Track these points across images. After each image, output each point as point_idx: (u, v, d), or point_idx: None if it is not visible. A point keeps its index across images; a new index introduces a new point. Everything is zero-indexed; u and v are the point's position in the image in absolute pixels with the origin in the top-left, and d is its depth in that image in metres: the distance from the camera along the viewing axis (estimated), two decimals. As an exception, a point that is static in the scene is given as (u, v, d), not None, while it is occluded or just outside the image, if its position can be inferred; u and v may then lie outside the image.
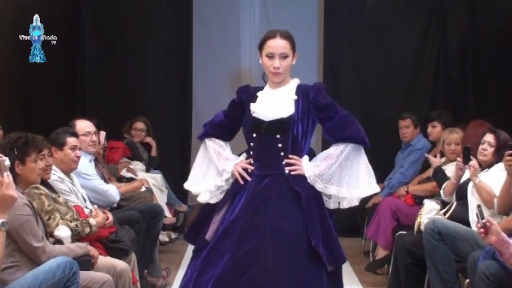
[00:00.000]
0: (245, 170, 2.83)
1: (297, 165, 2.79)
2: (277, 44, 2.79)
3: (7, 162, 2.49)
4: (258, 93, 2.90)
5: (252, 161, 2.85)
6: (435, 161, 4.51)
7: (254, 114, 2.83)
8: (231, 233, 2.73)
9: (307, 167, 2.80)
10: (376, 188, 2.92)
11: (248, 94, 2.93)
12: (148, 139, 5.93)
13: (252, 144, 2.86)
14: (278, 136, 2.79)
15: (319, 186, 2.78)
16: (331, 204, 2.84)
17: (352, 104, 6.19)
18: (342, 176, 2.81)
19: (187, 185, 3.11)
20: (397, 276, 3.94)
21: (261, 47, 2.85)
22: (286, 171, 2.78)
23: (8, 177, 2.46)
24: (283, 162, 2.79)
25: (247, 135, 2.89)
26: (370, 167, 2.90)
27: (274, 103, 2.83)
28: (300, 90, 2.84)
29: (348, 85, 6.22)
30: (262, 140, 2.83)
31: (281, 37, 2.81)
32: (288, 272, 2.64)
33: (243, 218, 2.74)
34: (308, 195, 2.76)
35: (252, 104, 2.86)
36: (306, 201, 2.74)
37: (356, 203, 2.85)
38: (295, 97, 2.82)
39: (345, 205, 2.85)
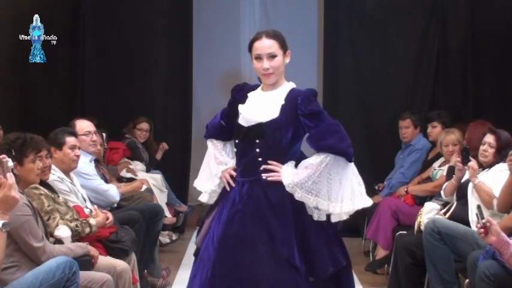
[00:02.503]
0: (231, 176, 2.79)
1: (275, 172, 2.69)
2: (264, 45, 2.72)
3: (10, 163, 2.48)
4: (249, 94, 2.84)
5: (236, 167, 2.81)
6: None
7: (239, 119, 2.78)
8: (214, 240, 2.72)
9: (287, 175, 2.67)
10: (364, 203, 2.73)
11: (242, 93, 2.87)
12: (163, 144, 5.93)
13: (235, 149, 2.83)
14: (257, 141, 2.71)
15: (297, 195, 2.65)
16: (315, 215, 2.67)
17: (352, 104, 6.21)
18: (322, 187, 2.64)
19: (195, 183, 3.08)
20: (397, 276, 3.94)
21: (250, 50, 2.79)
22: (264, 178, 2.69)
23: (10, 178, 2.45)
24: (261, 168, 2.70)
25: (234, 140, 2.85)
26: (359, 180, 2.73)
27: (259, 107, 2.75)
28: (291, 95, 2.74)
29: (348, 85, 6.22)
30: (243, 145, 2.76)
31: (267, 37, 2.73)
32: (270, 272, 2.61)
33: (223, 225, 2.71)
34: (282, 203, 2.67)
35: (240, 106, 2.81)
36: (278, 209, 2.65)
37: (344, 217, 2.70)
38: (283, 102, 2.72)
39: (332, 219, 2.69)
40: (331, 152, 2.63)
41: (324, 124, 2.68)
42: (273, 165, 2.70)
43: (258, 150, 2.71)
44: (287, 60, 2.79)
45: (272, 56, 2.72)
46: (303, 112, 2.68)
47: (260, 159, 2.71)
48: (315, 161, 2.66)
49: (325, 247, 2.69)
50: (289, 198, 2.67)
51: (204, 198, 2.98)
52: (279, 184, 2.67)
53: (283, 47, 2.76)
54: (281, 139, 2.70)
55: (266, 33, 2.76)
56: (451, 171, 4.16)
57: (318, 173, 2.63)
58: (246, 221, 2.67)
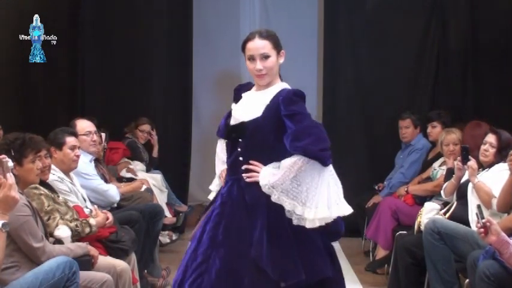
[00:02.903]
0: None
1: (254, 172, 2.62)
2: (256, 45, 2.67)
3: (10, 163, 2.48)
4: (243, 94, 2.81)
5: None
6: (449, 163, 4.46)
7: (231, 118, 2.76)
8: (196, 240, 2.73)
9: (264, 175, 2.59)
10: (341, 211, 2.60)
11: (239, 93, 2.84)
12: (154, 140, 5.94)
13: (226, 148, 2.82)
14: (240, 140, 2.67)
15: (274, 197, 2.55)
16: (294, 220, 2.55)
17: (352, 104, 6.21)
18: (300, 191, 2.54)
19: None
20: (397, 276, 3.94)
21: (243, 50, 2.76)
22: (244, 177, 2.65)
23: (10, 178, 2.45)
24: (242, 168, 2.65)
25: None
26: (337, 187, 2.61)
27: (246, 106, 2.73)
28: (279, 95, 2.67)
29: (348, 85, 6.22)
30: (229, 144, 2.74)
31: (260, 37, 2.68)
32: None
33: (207, 224, 2.71)
34: (256, 204, 2.60)
35: (233, 105, 2.80)
36: (252, 210, 2.60)
37: (318, 223, 2.53)
38: (268, 102, 2.66)
39: (307, 225, 2.54)
40: (303, 155, 2.53)
41: (302, 125, 2.56)
42: (254, 165, 2.64)
43: (239, 149, 2.67)
44: (281, 60, 2.73)
45: (265, 57, 2.67)
46: (284, 112, 2.60)
47: (241, 158, 2.66)
48: (287, 162, 2.57)
49: (305, 253, 2.57)
50: (266, 199, 2.58)
51: (211, 196, 2.98)
52: (257, 185, 2.60)
53: (277, 47, 2.70)
54: (263, 139, 2.65)
55: (259, 33, 2.70)
56: (449, 174, 4.17)
57: (293, 175, 2.54)
58: (218, 222, 2.65)
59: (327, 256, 2.66)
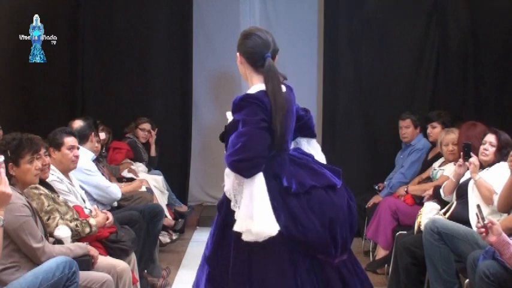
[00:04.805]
0: None
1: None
2: None
3: (1, 158, 2.48)
4: None
5: None
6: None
7: None
8: None
9: (228, 181, 2.52)
10: (256, 228, 2.40)
11: None
12: (151, 139, 5.95)
13: None
14: (224, 143, 2.61)
15: (232, 203, 2.50)
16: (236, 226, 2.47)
17: (352, 104, 6.21)
18: (236, 200, 2.49)
19: None
20: (397, 276, 3.94)
21: None
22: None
23: (2, 173, 2.45)
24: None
25: None
26: (255, 201, 2.42)
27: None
28: None
29: (348, 85, 6.21)
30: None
31: None
32: None
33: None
34: (219, 209, 2.61)
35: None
36: (216, 221, 2.60)
37: (250, 237, 2.41)
38: None
39: (243, 238, 2.45)
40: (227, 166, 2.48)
41: (233, 135, 2.46)
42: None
43: (224, 153, 2.60)
44: (239, 63, 2.68)
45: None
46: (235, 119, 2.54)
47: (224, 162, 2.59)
48: (226, 171, 2.52)
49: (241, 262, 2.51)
50: (226, 205, 2.56)
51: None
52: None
53: (238, 50, 2.66)
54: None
55: None
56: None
57: (231, 183, 2.49)
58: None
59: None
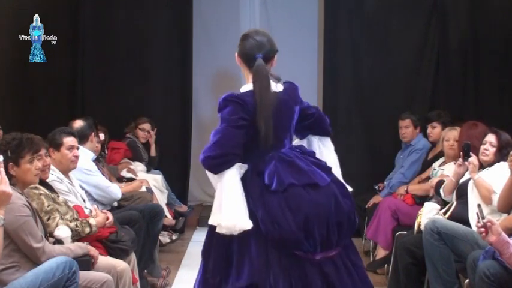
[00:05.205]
0: None
1: None
2: None
3: (0, 158, 2.48)
4: None
5: None
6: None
7: None
8: None
9: (210, 175, 2.68)
10: (220, 221, 2.53)
11: None
12: (151, 139, 5.95)
13: None
14: None
15: None
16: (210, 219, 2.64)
17: (352, 104, 6.21)
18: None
19: None
20: (397, 276, 3.94)
21: None
22: None
23: (2, 173, 2.44)
24: None
25: None
26: (223, 196, 2.54)
27: None
28: None
29: (348, 85, 6.22)
30: None
31: None
32: None
33: None
34: None
35: None
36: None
37: (224, 230, 2.52)
38: None
39: (217, 230, 2.57)
40: None
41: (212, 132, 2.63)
42: None
43: None
44: (238, 64, 2.80)
45: None
46: None
47: None
48: None
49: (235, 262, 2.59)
50: None
51: None
52: None
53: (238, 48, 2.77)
54: None
55: None
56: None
57: (211, 178, 2.63)
58: None
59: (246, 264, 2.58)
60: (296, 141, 2.91)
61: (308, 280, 2.57)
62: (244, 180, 2.61)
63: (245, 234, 2.53)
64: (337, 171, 2.86)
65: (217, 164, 2.54)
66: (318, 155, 2.83)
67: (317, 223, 2.56)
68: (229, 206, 2.52)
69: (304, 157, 2.72)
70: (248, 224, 2.51)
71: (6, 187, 2.45)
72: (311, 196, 2.58)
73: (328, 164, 2.78)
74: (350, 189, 2.79)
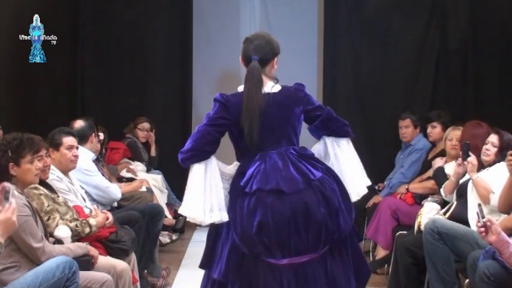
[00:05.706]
0: None
1: None
2: None
3: (12, 188, 2.39)
4: None
5: None
6: (437, 161, 4.53)
7: None
8: None
9: None
10: (186, 213, 2.71)
11: None
12: (151, 139, 5.95)
13: None
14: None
15: None
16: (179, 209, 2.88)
17: (352, 104, 6.21)
18: None
19: None
20: (397, 276, 3.94)
21: None
22: None
23: (13, 202, 2.40)
24: None
25: None
26: (186, 189, 2.75)
27: None
28: None
29: (348, 85, 6.22)
30: None
31: None
32: None
33: None
34: None
35: None
36: None
37: (191, 220, 2.74)
38: None
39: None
40: None
41: None
42: None
43: None
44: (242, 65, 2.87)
45: None
46: None
47: None
48: None
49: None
50: None
51: None
52: None
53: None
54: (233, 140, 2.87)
55: None
56: (439, 172, 4.19)
57: None
58: None
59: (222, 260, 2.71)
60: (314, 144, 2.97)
61: (268, 285, 2.60)
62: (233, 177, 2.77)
63: (228, 228, 2.68)
64: (352, 172, 2.93)
65: (186, 158, 2.71)
66: (332, 157, 2.87)
67: (274, 229, 2.59)
68: (188, 199, 2.68)
69: (298, 160, 2.73)
70: (206, 219, 2.63)
71: (14, 215, 2.40)
72: (272, 202, 2.62)
73: (337, 167, 2.83)
74: (368, 183, 3.01)
